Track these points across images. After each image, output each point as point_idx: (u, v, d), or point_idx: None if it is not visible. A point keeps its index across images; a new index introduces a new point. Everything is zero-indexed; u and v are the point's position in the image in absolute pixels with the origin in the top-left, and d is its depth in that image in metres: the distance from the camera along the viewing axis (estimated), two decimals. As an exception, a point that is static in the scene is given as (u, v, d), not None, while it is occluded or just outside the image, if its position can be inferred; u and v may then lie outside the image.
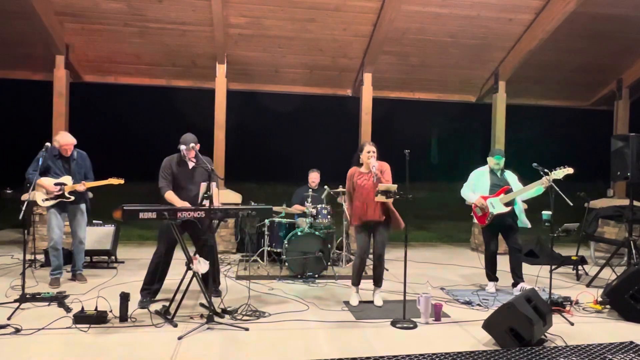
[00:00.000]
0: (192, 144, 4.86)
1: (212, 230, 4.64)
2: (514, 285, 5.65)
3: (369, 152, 5.05)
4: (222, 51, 7.90)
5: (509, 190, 5.58)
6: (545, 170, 5.15)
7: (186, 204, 4.74)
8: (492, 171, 5.76)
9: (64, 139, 5.58)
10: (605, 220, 8.59)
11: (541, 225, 6.35)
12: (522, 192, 5.53)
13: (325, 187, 7.16)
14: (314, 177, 7.41)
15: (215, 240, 5.14)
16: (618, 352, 3.88)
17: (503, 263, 5.84)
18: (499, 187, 5.63)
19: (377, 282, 5.20)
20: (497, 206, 5.56)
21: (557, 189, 5.02)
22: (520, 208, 5.69)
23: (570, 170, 5.22)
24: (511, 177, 5.73)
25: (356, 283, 5.21)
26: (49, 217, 5.61)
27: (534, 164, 5.24)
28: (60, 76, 7.76)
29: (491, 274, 5.79)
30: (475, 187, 5.76)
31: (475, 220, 5.95)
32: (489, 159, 5.80)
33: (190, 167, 5.00)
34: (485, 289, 5.82)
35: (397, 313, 4.69)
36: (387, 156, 5.21)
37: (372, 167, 4.92)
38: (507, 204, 5.55)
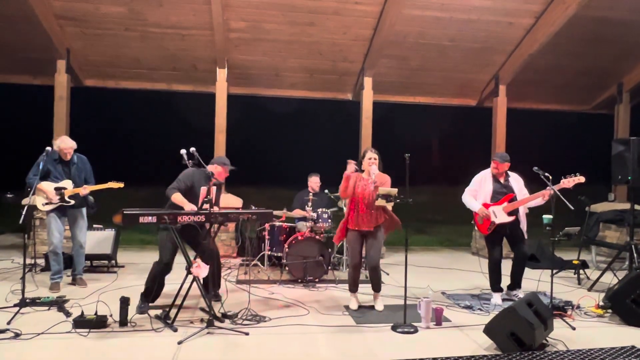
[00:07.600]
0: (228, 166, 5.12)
1: (211, 234, 4.63)
2: (510, 289, 5.56)
3: (370, 159, 5.03)
4: (223, 55, 7.91)
5: (513, 199, 5.33)
6: (546, 174, 5.03)
7: (194, 208, 4.71)
8: (494, 176, 5.46)
9: (64, 143, 5.58)
10: (606, 224, 8.56)
11: (542, 229, 6.32)
12: (526, 202, 5.28)
13: (326, 191, 7.16)
14: (315, 181, 7.37)
15: (216, 244, 5.13)
16: (619, 357, 3.86)
17: (504, 268, 5.79)
18: (502, 194, 5.35)
19: (376, 288, 5.19)
20: (499, 215, 5.31)
21: (559, 194, 4.99)
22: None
23: (581, 179, 5.01)
24: (516, 183, 5.43)
25: (354, 290, 5.21)
26: (48, 221, 5.60)
27: (535, 168, 5.15)
28: (61, 80, 7.77)
29: (496, 284, 5.48)
30: (478, 193, 5.49)
31: (476, 228, 5.75)
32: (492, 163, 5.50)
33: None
34: (490, 301, 5.44)
35: (398, 317, 4.68)
36: (388, 160, 5.19)
37: (371, 174, 4.90)
38: (510, 214, 5.28)
